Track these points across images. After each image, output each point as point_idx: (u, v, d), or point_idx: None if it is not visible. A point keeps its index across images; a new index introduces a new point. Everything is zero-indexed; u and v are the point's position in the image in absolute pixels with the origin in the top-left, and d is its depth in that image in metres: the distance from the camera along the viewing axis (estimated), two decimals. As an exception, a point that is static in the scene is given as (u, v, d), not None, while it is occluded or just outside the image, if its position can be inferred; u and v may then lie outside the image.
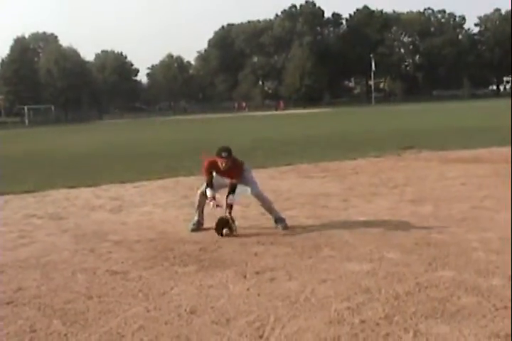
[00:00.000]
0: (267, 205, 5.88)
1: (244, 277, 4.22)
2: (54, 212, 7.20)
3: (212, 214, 5.73)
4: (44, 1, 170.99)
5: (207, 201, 5.67)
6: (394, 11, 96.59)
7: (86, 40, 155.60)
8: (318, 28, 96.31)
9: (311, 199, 7.37)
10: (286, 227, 5.69)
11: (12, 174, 11.79)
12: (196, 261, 4.70)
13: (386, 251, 4.71)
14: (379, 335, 3.09)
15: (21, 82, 76.46)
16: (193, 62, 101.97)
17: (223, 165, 5.59)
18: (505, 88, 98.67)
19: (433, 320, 3.25)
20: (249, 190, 5.78)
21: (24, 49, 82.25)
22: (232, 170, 5.64)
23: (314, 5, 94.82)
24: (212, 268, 4.48)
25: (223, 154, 5.54)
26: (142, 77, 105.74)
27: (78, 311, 3.66)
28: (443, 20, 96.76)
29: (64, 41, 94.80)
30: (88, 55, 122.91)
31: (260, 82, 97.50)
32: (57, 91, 79.39)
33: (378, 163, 11.05)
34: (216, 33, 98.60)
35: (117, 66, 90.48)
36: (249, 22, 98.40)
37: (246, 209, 6.54)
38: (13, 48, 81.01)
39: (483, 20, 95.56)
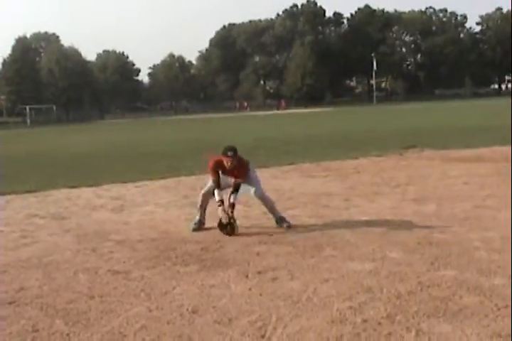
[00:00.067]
0: (269, 205, 5.89)
1: (246, 277, 4.21)
2: (56, 212, 7.21)
3: (213, 214, 5.73)
4: (46, 1, 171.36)
5: (218, 208, 5.61)
6: (395, 10, 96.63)
7: (87, 40, 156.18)
8: (320, 28, 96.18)
9: (313, 198, 7.37)
10: (289, 227, 5.70)
11: (14, 174, 11.80)
12: (198, 260, 4.70)
13: (388, 250, 4.71)
14: (381, 335, 3.09)
15: (23, 82, 76.52)
16: (194, 62, 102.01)
17: (229, 164, 5.59)
18: (506, 87, 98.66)
19: (435, 319, 3.25)
20: (252, 190, 5.79)
21: (26, 49, 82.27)
22: (237, 170, 5.65)
23: (315, 4, 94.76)
24: (214, 267, 4.48)
25: (229, 153, 5.55)
26: (144, 77, 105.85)
27: (80, 311, 3.66)
28: (444, 19, 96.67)
29: (66, 41, 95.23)
30: (90, 54, 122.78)
31: (262, 82, 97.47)
32: (58, 91, 79.45)
33: (380, 162, 11.04)
34: (217, 33, 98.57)
35: (119, 66, 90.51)
36: (250, 21, 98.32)
37: (248, 209, 6.54)
38: (14, 48, 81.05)
39: (484, 19, 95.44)
